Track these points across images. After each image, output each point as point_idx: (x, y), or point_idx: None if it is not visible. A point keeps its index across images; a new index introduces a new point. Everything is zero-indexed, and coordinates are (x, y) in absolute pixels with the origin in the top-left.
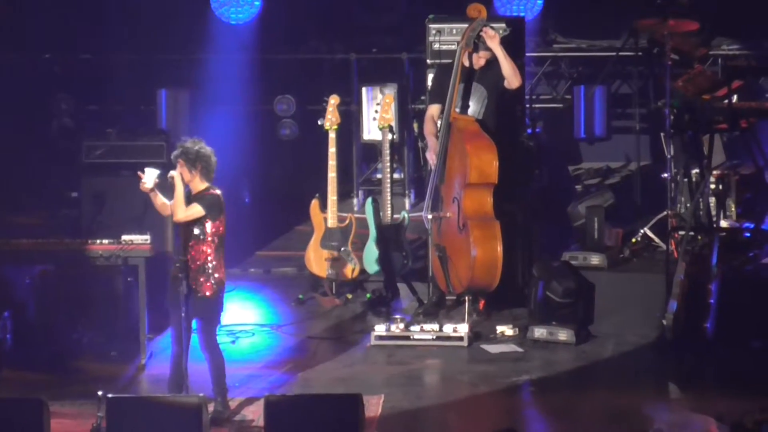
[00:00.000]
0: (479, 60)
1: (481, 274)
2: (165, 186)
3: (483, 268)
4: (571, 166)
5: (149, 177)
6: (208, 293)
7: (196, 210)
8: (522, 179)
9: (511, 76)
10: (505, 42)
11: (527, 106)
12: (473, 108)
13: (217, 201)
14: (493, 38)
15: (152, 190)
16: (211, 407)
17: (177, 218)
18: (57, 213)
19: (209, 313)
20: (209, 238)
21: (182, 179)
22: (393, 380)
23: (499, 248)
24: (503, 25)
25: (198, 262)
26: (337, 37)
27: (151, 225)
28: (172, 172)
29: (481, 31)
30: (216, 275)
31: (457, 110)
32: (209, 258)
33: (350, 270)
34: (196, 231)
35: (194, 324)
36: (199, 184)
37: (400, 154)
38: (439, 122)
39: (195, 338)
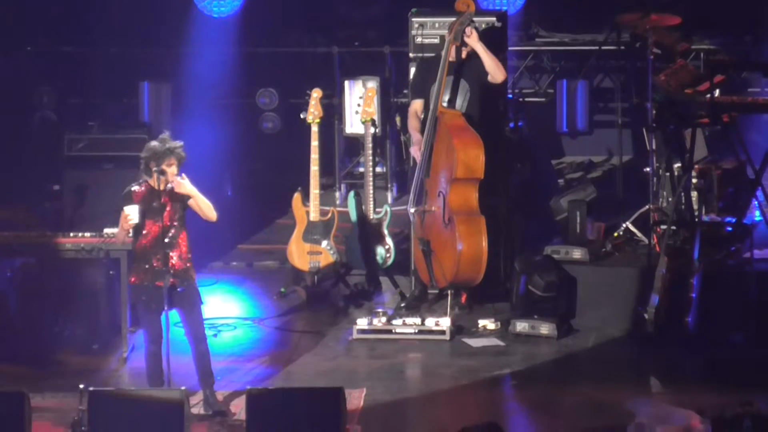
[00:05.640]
0: (463, 53)
1: (466, 269)
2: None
3: (468, 262)
4: (554, 160)
5: (134, 213)
6: (194, 278)
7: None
8: (504, 173)
9: (494, 71)
10: (488, 36)
11: (510, 99)
12: (457, 102)
13: None
14: (470, 36)
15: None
16: (194, 399)
17: (215, 219)
18: (38, 206)
19: (198, 298)
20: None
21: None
22: (375, 374)
23: (485, 243)
24: (494, 19)
25: (186, 250)
26: (319, 31)
27: None
28: (180, 179)
29: (469, 24)
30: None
31: (444, 104)
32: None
33: (332, 263)
34: (182, 222)
35: (172, 317)
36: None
37: (383, 147)
38: (422, 117)
39: (176, 331)
